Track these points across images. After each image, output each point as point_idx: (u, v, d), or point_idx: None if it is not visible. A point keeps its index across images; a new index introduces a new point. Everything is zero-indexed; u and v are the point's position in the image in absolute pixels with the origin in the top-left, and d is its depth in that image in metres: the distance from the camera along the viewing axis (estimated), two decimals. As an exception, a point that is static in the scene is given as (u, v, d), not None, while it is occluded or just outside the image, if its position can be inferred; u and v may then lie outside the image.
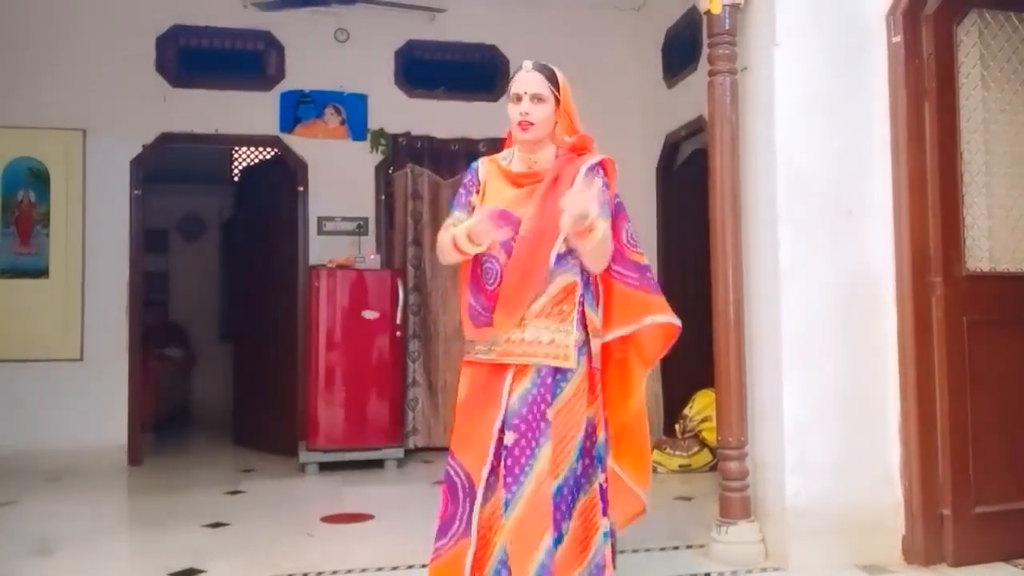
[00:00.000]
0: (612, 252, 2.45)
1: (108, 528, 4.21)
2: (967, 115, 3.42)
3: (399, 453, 5.65)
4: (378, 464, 5.57)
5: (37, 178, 5.80)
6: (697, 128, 5.62)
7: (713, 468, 4.60)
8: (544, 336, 2.34)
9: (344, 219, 6.19)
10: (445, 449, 6.67)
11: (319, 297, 5.59)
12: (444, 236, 2.43)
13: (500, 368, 2.37)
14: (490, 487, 2.33)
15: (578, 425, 2.36)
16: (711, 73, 3.47)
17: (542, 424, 2.31)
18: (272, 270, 6.37)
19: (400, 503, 4.74)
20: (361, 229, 6.17)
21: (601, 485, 2.43)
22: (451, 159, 6.35)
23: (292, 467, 5.56)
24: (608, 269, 2.49)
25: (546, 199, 2.36)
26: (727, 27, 3.41)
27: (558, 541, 2.28)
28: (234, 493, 4.90)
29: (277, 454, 5.96)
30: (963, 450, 3.25)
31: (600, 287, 2.50)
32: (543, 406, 2.32)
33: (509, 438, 2.31)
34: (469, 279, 2.44)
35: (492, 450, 2.33)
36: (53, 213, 5.79)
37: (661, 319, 2.53)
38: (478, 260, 2.42)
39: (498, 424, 2.33)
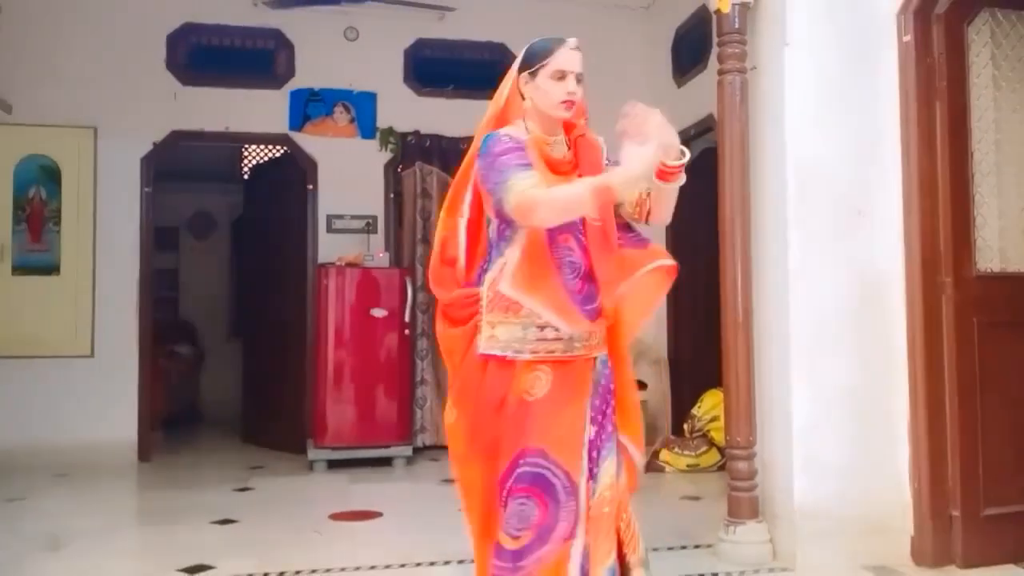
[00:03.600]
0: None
1: (118, 524, 4.24)
2: (978, 115, 3.40)
3: (407, 451, 5.67)
4: (386, 462, 5.59)
5: (48, 176, 5.83)
6: (706, 127, 5.61)
7: (721, 468, 4.59)
8: (598, 326, 2.31)
9: (353, 217, 6.21)
10: (453, 447, 6.62)
11: (328, 295, 5.61)
12: (565, 189, 2.17)
13: (587, 363, 2.29)
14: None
15: None
16: (721, 72, 3.46)
17: (612, 417, 2.30)
18: (281, 268, 6.39)
19: (408, 501, 4.76)
20: (370, 227, 6.19)
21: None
22: (460, 158, 6.27)
23: (300, 464, 5.58)
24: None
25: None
26: (737, 26, 3.41)
27: None
28: (243, 490, 4.92)
29: (286, 451, 5.98)
30: (973, 451, 3.24)
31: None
32: (610, 397, 2.31)
33: (591, 431, 2.27)
34: (559, 269, 2.28)
35: (587, 448, 2.25)
36: (64, 210, 5.83)
37: (659, 264, 2.35)
38: (558, 250, 2.29)
39: (588, 420, 2.27)
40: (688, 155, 2.15)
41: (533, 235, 2.28)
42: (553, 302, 2.26)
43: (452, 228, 2.44)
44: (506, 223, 2.27)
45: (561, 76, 2.28)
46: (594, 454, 2.26)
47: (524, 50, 2.36)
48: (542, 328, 2.25)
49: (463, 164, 2.45)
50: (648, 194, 2.30)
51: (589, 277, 2.29)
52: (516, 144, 2.26)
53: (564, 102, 2.28)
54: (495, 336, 2.28)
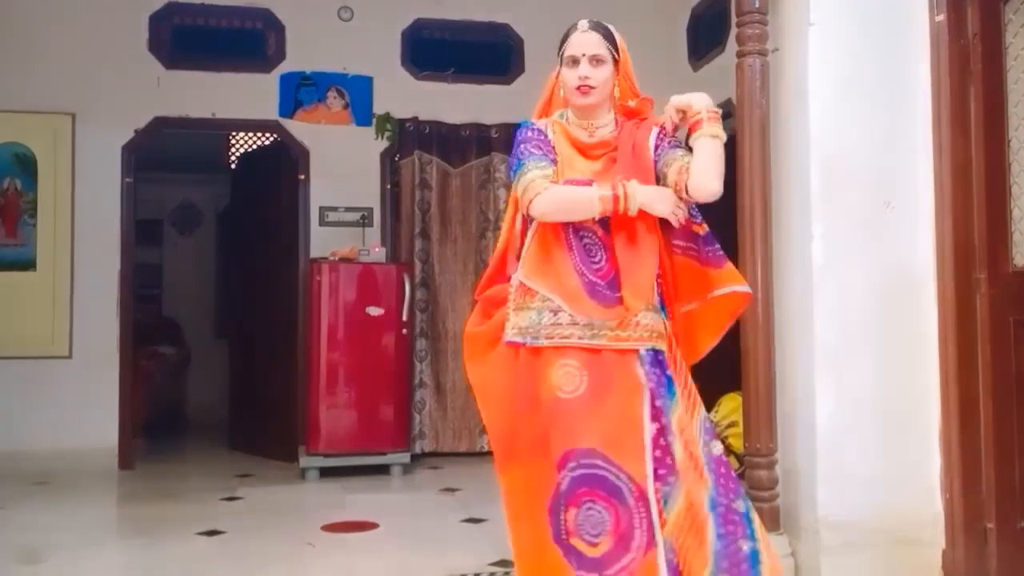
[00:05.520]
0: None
1: (98, 536, 4.25)
2: (1015, 99, 3.39)
3: (405, 458, 5.67)
4: (383, 470, 5.59)
5: (24, 165, 5.85)
6: (725, 113, 5.55)
7: (740, 477, 4.58)
8: (644, 318, 2.35)
9: (347, 209, 6.22)
10: (454, 454, 6.69)
11: (320, 292, 5.61)
12: (572, 191, 2.32)
13: (626, 354, 2.34)
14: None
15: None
16: (740, 54, 3.45)
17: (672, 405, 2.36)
18: (271, 263, 6.40)
19: (406, 511, 4.76)
20: (365, 220, 6.20)
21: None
22: (461, 146, 6.37)
23: (292, 472, 5.60)
24: (670, 243, 2.49)
25: (629, 170, 2.36)
26: (757, 5, 3.40)
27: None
28: (230, 500, 4.93)
29: (276, 459, 5.99)
30: (1009, 459, 3.23)
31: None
32: (662, 389, 2.35)
33: (652, 428, 2.30)
34: (572, 251, 2.37)
35: (650, 449, 2.28)
36: (40, 202, 5.85)
37: (726, 290, 2.46)
38: (575, 232, 2.38)
39: (647, 418, 2.30)
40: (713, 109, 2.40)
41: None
42: (558, 285, 2.35)
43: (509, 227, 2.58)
44: (527, 213, 2.38)
45: (574, 61, 2.39)
46: (658, 453, 2.29)
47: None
48: (555, 313, 2.33)
49: None
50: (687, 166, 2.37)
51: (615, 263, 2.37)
52: (536, 131, 2.41)
53: (578, 88, 2.39)
54: (514, 323, 2.39)
